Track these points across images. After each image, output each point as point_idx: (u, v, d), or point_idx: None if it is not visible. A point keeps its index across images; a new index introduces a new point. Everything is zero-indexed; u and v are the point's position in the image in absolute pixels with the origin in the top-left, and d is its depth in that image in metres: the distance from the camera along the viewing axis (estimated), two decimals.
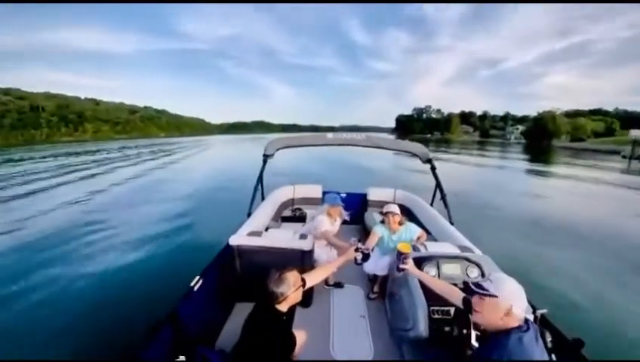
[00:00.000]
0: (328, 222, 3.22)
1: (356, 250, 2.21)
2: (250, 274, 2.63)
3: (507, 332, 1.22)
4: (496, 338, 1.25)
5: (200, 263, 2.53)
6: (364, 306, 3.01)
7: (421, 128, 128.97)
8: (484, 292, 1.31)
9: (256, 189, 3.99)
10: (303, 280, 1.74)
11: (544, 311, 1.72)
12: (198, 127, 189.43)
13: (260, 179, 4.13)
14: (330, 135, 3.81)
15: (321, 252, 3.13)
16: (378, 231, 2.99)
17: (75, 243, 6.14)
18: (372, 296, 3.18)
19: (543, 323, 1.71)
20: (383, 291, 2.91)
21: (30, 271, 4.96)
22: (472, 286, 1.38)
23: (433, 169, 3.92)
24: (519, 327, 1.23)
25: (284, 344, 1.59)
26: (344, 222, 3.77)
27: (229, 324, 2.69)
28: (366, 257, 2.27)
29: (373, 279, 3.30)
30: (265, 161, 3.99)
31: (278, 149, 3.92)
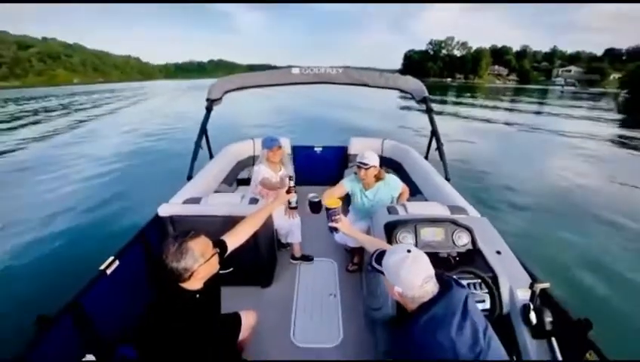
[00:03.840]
0: (269, 169, 2.53)
1: (288, 190, 1.74)
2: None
3: (411, 315, 0.96)
4: (403, 320, 1.03)
5: (120, 243, 1.89)
6: (335, 282, 2.46)
7: (438, 70, 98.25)
8: (374, 265, 1.09)
9: (198, 146, 2.91)
10: (221, 243, 1.34)
11: (546, 285, 1.36)
12: (132, 70, 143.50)
13: (204, 132, 3.03)
14: (296, 70, 2.78)
15: (281, 220, 2.51)
16: (346, 185, 2.35)
17: None
18: (351, 267, 2.59)
19: (544, 299, 1.39)
20: (361, 263, 2.52)
21: None
22: (372, 256, 1.13)
23: (429, 111, 2.98)
24: (425, 304, 0.93)
25: (201, 331, 1.17)
26: (314, 182, 3.67)
27: None
28: (316, 207, 1.78)
29: (351, 250, 2.64)
30: (209, 109, 2.92)
31: (226, 92, 2.88)
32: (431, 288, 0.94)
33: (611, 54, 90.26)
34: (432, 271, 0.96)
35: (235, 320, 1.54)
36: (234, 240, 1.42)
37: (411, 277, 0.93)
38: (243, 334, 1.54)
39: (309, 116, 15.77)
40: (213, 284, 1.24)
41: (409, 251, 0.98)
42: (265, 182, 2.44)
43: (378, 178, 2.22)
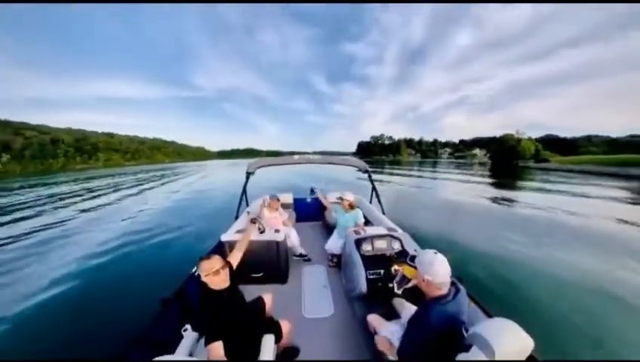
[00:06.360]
0: (267, 210, 3.74)
1: (252, 221, 2.57)
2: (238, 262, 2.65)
3: (430, 301, 1.22)
4: (423, 302, 1.29)
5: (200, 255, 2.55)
6: (326, 279, 3.23)
7: (378, 151, 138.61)
8: (411, 264, 1.44)
9: (241, 199, 4.22)
10: (228, 263, 1.68)
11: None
12: (199, 154, 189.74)
13: (244, 190, 4.31)
14: (296, 156, 3.96)
15: (294, 239, 3.64)
16: (335, 208, 3.51)
17: (104, 244, 6.13)
18: (330, 264, 3.57)
19: None
20: (339, 263, 3.38)
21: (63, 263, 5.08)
22: (407, 259, 1.57)
23: (370, 177, 4.29)
24: (441, 297, 1.21)
25: (223, 316, 1.49)
26: (307, 220, 5.08)
27: None
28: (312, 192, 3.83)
29: (332, 255, 3.58)
30: (247, 177, 4.13)
31: (258, 168, 4.04)
32: (447, 282, 1.18)
33: (463, 143, 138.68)
34: (450, 271, 1.24)
35: (260, 300, 1.98)
36: (234, 260, 1.88)
37: (441, 269, 1.20)
38: (267, 307, 2.02)
39: (308, 176, 20.77)
40: (234, 285, 1.64)
41: (435, 253, 1.23)
42: (260, 216, 3.40)
43: (352, 207, 3.27)
